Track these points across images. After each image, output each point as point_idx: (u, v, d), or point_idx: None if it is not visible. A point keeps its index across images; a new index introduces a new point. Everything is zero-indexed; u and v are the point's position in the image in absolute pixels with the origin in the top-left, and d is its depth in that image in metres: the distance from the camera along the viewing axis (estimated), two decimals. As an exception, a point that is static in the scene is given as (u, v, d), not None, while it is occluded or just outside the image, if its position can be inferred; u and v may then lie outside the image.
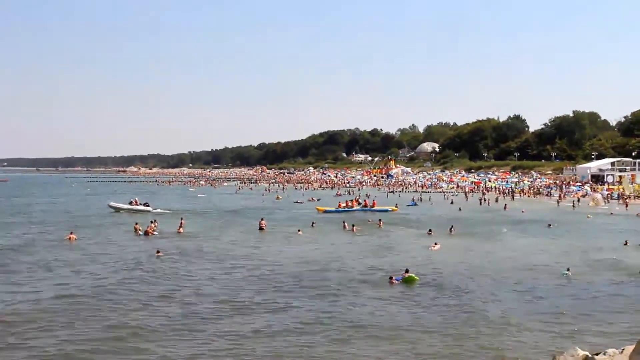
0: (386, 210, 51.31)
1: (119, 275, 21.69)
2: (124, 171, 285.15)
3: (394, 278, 20.92)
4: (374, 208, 52.89)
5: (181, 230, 36.03)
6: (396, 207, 54.59)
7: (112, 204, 52.55)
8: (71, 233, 32.47)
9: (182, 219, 39.69)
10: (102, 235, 34.25)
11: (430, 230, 35.75)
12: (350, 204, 54.26)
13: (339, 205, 54.41)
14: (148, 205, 51.99)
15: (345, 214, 47.97)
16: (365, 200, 56.54)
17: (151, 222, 37.20)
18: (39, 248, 28.70)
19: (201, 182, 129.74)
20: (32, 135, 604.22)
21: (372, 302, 17.95)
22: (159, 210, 51.14)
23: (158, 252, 26.52)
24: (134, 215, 46.48)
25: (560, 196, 71.30)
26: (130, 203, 52.62)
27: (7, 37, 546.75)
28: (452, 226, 37.64)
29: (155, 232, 34.66)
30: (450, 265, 24.40)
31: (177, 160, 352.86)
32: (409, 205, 60.01)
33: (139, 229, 35.16)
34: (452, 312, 16.86)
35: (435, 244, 29.79)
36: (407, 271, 21.20)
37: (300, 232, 35.52)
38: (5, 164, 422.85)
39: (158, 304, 17.46)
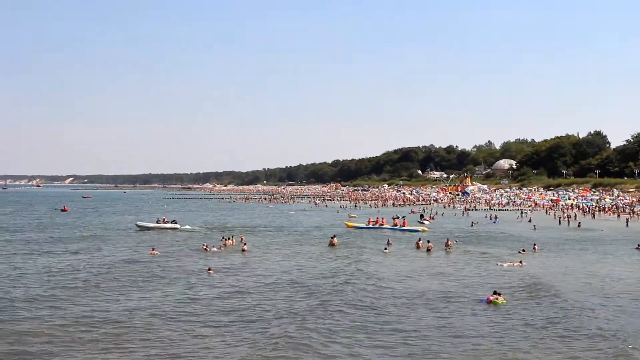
0: (416, 231, 49.08)
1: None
2: (189, 188, 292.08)
3: (487, 298, 20.67)
4: (404, 227, 51.56)
5: (245, 247, 35.82)
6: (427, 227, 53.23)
7: (139, 223, 52.13)
8: (153, 249, 33.90)
9: (241, 236, 40.82)
10: (182, 252, 35.19)
11: (523, 250, 35.28)
12: (380, 221, 54.52)
13: (369, 222, 55.03)
14: (176, 223, 51.42)
15: (378, 232, 49.26)
16: (395, 220, 55.78)
17: (230, 237, 38.73)
18: (125, 263, 30.01)
19: (280, 199, 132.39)
20: (111, 153, 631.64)
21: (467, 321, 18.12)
22: (187, 227, 50.89)
23: (209, 269, 27.11)
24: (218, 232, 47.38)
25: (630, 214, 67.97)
26: (158, 221, 52.11)
27: (83, 54, 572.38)
28: (535, 244, 37.32)
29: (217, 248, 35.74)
30: (538, 285, 23.86)
31: (252, 177, 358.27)
32: (471, 224, 59.29)
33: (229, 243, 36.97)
34: (544, 337, 16.30)
35: (520, 261, 29.97)
36: (495, 293, 20.79)
37: (386, 250, 35.79)
38: (86, 180, 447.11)
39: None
